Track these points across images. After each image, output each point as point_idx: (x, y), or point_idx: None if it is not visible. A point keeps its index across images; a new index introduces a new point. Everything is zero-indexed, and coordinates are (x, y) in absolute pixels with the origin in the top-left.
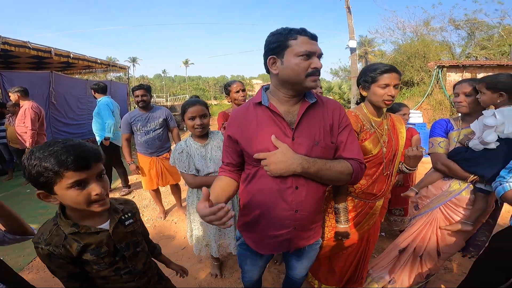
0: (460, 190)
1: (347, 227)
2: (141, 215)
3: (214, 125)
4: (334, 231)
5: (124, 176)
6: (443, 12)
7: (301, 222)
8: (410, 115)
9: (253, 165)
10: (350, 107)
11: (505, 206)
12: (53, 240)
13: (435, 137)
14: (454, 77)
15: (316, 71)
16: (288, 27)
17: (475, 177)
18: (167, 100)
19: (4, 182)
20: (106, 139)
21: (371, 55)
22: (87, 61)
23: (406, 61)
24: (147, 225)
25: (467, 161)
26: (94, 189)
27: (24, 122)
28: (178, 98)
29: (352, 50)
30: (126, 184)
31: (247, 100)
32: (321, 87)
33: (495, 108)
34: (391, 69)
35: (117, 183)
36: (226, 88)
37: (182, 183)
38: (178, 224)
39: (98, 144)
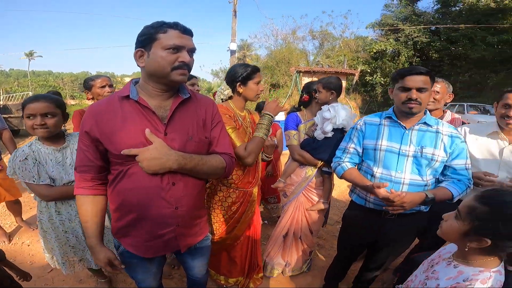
0: (313, 175)
1: (262, 136)
2: None
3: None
4: (226, 224)
5: None
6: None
7: (183, 218)
8: None
9: (121, 164)
10: None
11: (345, 183)
12: None
13: (290, 130)
14: (306, 81)
15: (184, 65)
16: (163, 21)
17: (322, 162)
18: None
19: None
20: None
21: (248, 58)
22: None
23: (275, 66)
24: None
25: (315, 150)
26: None
27: None
28: (13, 96)
29: (232, 52)
30: None
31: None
32: (198, 86)
33: (328, 104)
34: (258, 68)
35: None
36: (88, 82)
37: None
38: (32, 246)
39: None
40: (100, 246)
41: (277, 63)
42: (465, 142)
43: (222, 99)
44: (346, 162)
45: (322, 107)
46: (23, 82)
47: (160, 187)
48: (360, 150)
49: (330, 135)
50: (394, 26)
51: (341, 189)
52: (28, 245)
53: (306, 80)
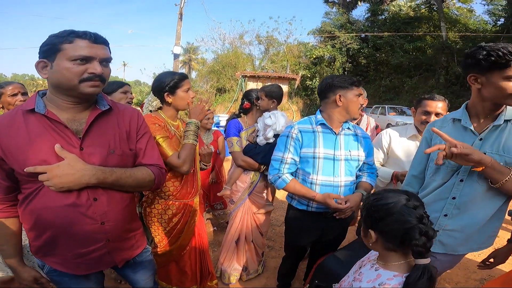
0: (258, 180)
1: (192, 142)
2: None
3: None
4: (170, 236)
5: None
6: (254, 28)
7: (113, 232)
8: (220, 118)
9: (33, 182)
10: None
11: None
12: None
13: (232, 137)
14: (252, 85)
15: (95, 76)
16: (72, 29)
17: (265, 167)
18: None
19: None
20: None
21: (194, 62)
22: None
23: (221, 70)
24: None
25: (257, 155)
26: None
27: None
28: None
29: (176, 56)
30: None
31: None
32: (131, 93)
33: (269, 111)
34: (186, 75)
35: None
36: None
37: None
38: None
39: None
40: (23, 266)
41: (224, 67)
42: (391, 143)
43: (150, 110)
44: (286, 174)
45: (263, 114)
46: None
47: (79, 204)
48: (297, 160)
49: (271, 140)
50: (332, 33)
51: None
52: None
53: (251, 84)
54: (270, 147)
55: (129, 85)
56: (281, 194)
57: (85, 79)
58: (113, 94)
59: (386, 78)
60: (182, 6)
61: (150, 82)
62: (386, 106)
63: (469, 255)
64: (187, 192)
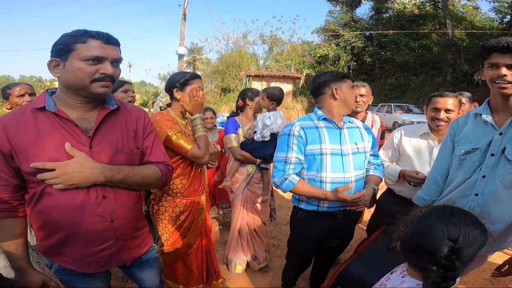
0: (254, 171)
1: (204, 133)
2: None
3: None
4: (177, 234)
5: None
6: (258, 27)
7: (122, 231)
8: (225, 118)
9: (38, 181)
10: None
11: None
12: None
13: (230, 134)
14: (256, 85)
15: (106, 77)
16: (85, 29)
17: (260, 160)
18: None
19: None
20: None
21: (198, 62)
22: None
23: (226, 70)
24: None
25: (254, 150)
26: None
27: None
28: None
29: (180, 56)
30: None
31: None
32: (133, 91)
33: (268, 111)
34: (198, 76)
35: None
36: (4, 91)
37: None
38: None
39: None
40: (32, 268)
41: (228, 67)
42: (401, 141)
43: (160, 107)
44: (292, 175)
45: (264, 114)
46: None
47: (88, 202)
48: (302, 158)
49: (267, 138)
50: (336, 32)
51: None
52: None
53: (255, 84)
54: (265, 143)
55: (130, 83)
56: (286, 193)
57: (96, 79)
58: (114, 93)
59: (392, 76)
60: (185, 6)
61: (155, 82)
62: (392, 104)
63: None
64: (194, 190)
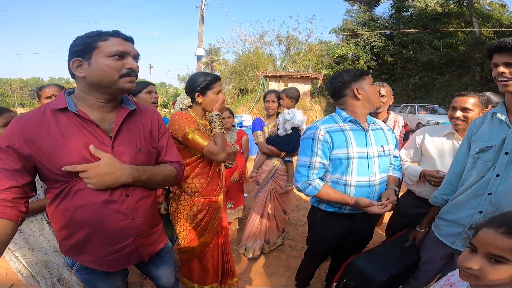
0: (279, 164)
1: (222, 130)
2: None
3: None
4: (194, 233)
5: None
6: (274, 28)
7: (141, 228)
8: (243, 119)
9: (63, 181)
10: None
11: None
12: None
13: (256, 131)
14: (274, 85)
15: (132, 72)
16: (99, 30)
17: (285, 153)
18: None
19: None
20: None
21: (216, 63)
22: None
23: (243, 71)
24: None
25: (278, 144)
26: None
27: None
28: None
29: (199, 57)
30: None
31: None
32: (156, 93)
33: (288, 109)
34: (219, 78)
35: None
36: (37, 92)
37: None
38: None
39: None
40: None
41: (245, 68)
42: (424, 141)
43: (181, 108)
44: (315, 180)
45: (284, 111)
46: None
47: (113, 200)
48: (326, 163)
49: (289, 132)
50: (354, 31)
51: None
52: None
53: (273, 84)
54: (288, 137)
55: (153, 84)
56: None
57: (124, 75)
58: (138, 95)
59: (415, 76)
60: (202, 8)
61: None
62: (416, 105)
63: None
64: (212, 189)
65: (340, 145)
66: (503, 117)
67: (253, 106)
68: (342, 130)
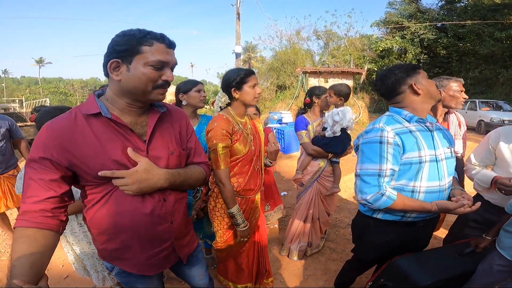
0: (325, 165)
1: (246, 227)
2: None
3: None
4: (230, 233)
5: None
6: (311, 23)
7: (178, 230)
8: (282, 115)
9: (101, 186)
10: None
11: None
12: None
13: (301, 131)
14: (313, 81)
15: (166, 84)
16: (145, 29)
17: (332, 154)
18: (22, 106)
19: None
20: None
21: (253, 60)
22: None
23: (281, 67)
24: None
25: (326, 145)
26: None
27: None
28: (33, 103)
29: (237, 55)
30: None
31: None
32: (204, 91)
33: (336, 108)
34: (252, 71)
35: None
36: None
37: None
38: None
39: None
40: None
41: (283, 64)
42: (499, 143)
43: (220, 107)
44: (388, 189)
45: (332, 110)
46: (35, 89)
47: (152, 205)
48: (396, 170)
49: (338, 134)
50: (399, 24)
51: (352, 191)
52: None
53: (312, 80)
54: (336, 139)
55: (202, 83)
56: (346, 194)
57: (158, 86)
58: (188, 93)
59: (475, 70)
60: (238, 6)
61: (215, 81)
62: (477, 101)
63: None
64: (250, 189)
65: (412, 148)
66: None
67: (292, 102)
68: (410, 132)
